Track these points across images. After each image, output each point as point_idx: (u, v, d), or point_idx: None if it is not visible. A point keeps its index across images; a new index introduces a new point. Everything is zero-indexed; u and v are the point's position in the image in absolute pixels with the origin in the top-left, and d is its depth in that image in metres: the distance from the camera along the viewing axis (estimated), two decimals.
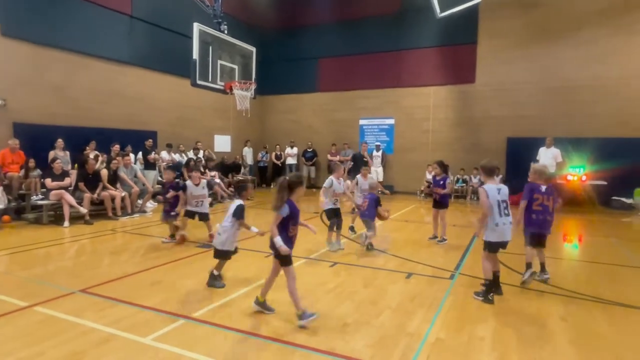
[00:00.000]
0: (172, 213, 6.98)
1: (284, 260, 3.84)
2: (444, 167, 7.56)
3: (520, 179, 12.49)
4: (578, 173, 12.25)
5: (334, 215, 6.67)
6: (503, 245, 4.49)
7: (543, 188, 4.99)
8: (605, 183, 12.04)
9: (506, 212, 4.46)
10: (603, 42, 12.79)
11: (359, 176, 7.82)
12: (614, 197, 12.12)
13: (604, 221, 10.23)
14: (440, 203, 7.46)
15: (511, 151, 13.67)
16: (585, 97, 13.03)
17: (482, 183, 4.77)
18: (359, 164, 12.70)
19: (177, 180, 7.52)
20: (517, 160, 13.39)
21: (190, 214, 7.05)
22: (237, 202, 4.77)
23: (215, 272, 4.84)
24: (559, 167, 11.47)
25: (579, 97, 13.11)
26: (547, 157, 11.38)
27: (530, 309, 4.30)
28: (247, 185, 5.05)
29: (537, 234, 5.02)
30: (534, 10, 13.65)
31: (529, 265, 4.99)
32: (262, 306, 4.04)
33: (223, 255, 4.79)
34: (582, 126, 12.92)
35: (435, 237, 7.51)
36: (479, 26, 14.40)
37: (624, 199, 11.97)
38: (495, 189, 4.46)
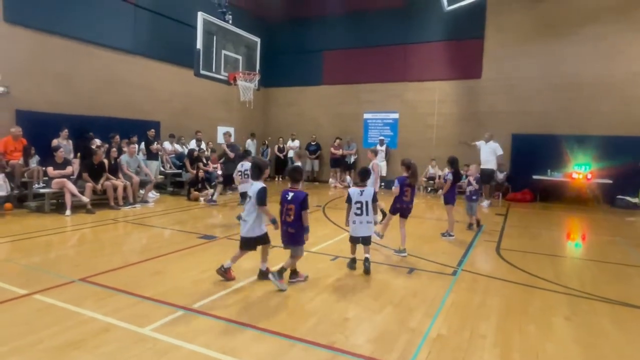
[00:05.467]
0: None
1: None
2: (450, 162, 7.56)
3: (525, 175, 12.56)
4: (583, 171, 12.15)
5: None
6: None
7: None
8: (610, 182, 11.94)
9: None
10: (611, 39, 12.61)
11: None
12: (618, 196, 12.02)
13: (608, 220, 10.14)
14: (445, 198, 7.50)
15: (516, 147, 13.55)
16: (592, 94, 12.86)
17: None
18: None
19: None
20: (521, 156, 13.31)
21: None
22: (258, 184, 4.53)
23: (262, 268, 4.75)
24: (499, 161, 11.85)
25: (585, 93, 12.95)
26: (485, 151, 11.81)
27: (534, 307, 4.24)
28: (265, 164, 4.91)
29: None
30: (542, 4, 13.44)
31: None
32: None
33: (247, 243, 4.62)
34: (588, 123, 12.77)
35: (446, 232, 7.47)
36: (487, 20, 14.22)
37: (628, 198, 11.87)
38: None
